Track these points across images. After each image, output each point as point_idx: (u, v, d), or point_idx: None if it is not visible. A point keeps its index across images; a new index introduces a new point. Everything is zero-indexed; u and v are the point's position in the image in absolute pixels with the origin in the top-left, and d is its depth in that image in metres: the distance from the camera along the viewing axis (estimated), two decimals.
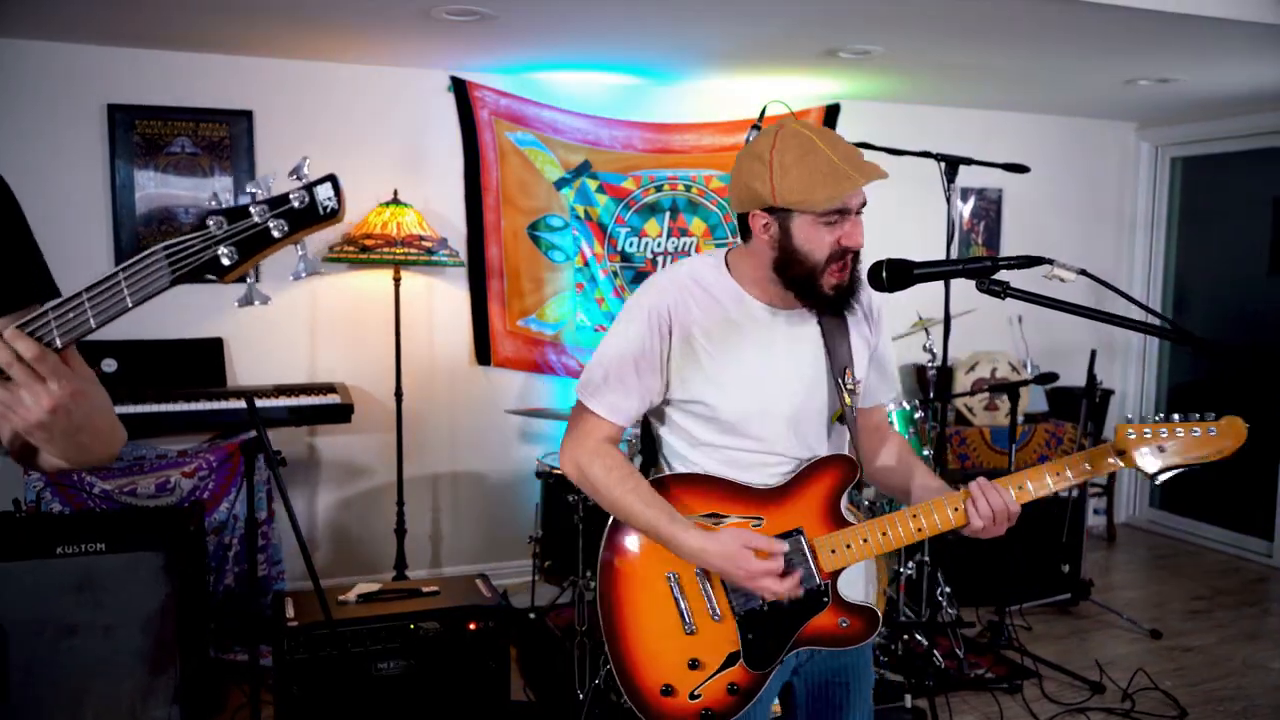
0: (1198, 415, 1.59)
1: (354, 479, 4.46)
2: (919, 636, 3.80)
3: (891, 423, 2.32)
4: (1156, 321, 1.50)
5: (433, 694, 2.82)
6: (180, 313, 4.00)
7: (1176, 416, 1.60)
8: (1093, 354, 4.33)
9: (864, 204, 1.62)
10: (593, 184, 4.71)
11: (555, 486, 3.87)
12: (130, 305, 1.05)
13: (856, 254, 1.65)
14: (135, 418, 3.55)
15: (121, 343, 3.79)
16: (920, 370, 5.07)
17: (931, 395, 4.03)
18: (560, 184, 4.67)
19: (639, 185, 4.80)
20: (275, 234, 1.07)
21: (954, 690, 3.56)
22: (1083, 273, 1.44)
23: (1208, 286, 5.82)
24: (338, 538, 4.42)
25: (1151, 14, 3.26)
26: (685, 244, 4.89)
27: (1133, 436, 1.60)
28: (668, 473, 1.78)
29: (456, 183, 4.48)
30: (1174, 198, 5.81)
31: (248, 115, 4.14)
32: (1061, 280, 1.45)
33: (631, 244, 4.82)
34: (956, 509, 1.66)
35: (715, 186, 4.92)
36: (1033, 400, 5.34)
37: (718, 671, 1.69)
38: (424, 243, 4.02)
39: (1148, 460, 1.60)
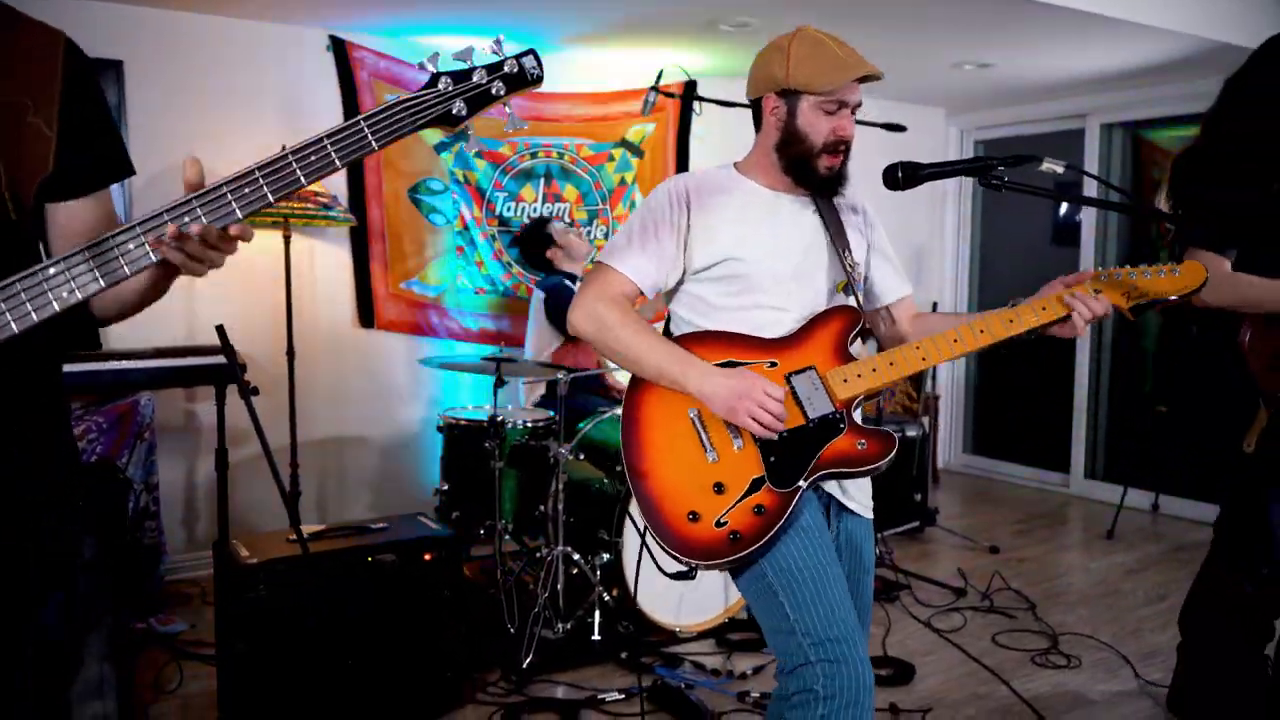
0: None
1: (236, 445, 4.31)
2: None
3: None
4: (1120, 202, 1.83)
5: (394, 626, 2.84)
6: None
7: (1143, 265, 1.82)
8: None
9: (859, 104, 1.90)
10: (471, 149, 4.77)
11: (461, 437, 3.94)
12: (375, 147, 1.25)
13: (847, 148, 1.92)
14: None
15: None
16: None
17: None
18: (440, 148, 4.71)
19: (515, 151, 4.91)
20: (494, 92, 1.30)
21: None
22: (1069, 166, 1.76)
23: (1004, 254, 6.60)
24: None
25: None
26: (560, 209, 5.04)
27: (1105, 279, 1.82)
28: (680, 334, 1.95)
29: None
30: None
31: (117, 65, 3.94)
32: (1056, 173, 1.75)
33: (509, 208, 4.92)
34: (1045, 308, 1.81)
35: (586, 155, 5.10)
36: None
37: (743, 496, 1.77)
38: (319, 198, 3.97)
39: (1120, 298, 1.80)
